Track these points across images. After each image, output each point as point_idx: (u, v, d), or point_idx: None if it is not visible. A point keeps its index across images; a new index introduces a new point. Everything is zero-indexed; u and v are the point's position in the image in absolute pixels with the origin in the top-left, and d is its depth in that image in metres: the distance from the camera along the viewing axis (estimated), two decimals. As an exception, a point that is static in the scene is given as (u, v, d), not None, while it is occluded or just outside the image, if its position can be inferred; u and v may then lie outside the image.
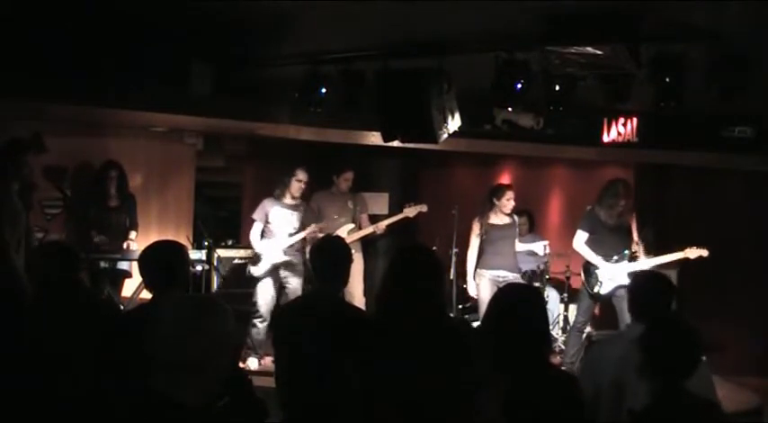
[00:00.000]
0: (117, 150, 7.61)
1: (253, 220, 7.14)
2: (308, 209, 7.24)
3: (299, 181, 7.02)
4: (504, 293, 3.19)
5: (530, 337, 2.92)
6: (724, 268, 8.05)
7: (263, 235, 7.09)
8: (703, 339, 2.96)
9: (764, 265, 7.88)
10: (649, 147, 7.51)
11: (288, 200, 7.06)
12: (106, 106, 6.36)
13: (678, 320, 3.08)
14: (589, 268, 6.88)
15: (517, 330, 2.90)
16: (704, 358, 3.05)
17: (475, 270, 7.26)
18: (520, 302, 3.04)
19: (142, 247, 7.15)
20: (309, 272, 7.29)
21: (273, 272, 7.01)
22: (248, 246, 7.27)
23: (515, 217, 7.23)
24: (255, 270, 7.04)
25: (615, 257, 6.78)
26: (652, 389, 2.89)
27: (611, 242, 6.83)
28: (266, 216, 7.06)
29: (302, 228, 7.10)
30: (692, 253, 6.87)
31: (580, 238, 6.92)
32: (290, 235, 7.06)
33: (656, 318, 3.14)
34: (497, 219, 7.13)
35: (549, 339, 3.24)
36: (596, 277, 6.84)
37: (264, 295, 6.97)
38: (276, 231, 7.06)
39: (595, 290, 6.82)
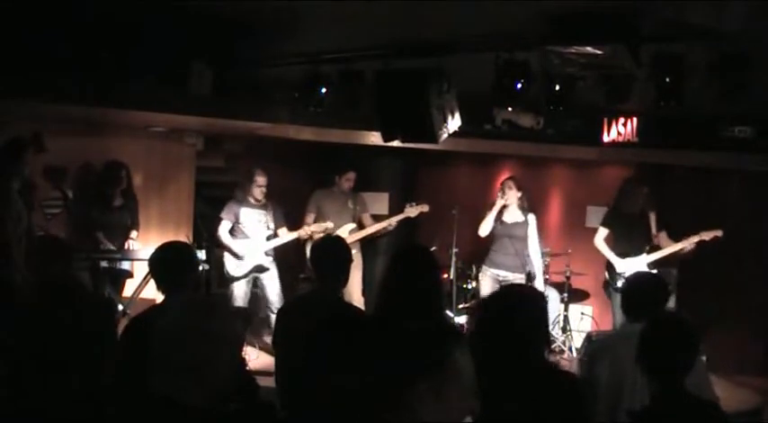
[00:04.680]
0: (117, 150, 7.61)
1: (220, 219, 7.21)
2: (278, 208, 7.31)
3: (260, 186, 7.10)
4: (494, 299, 3.16)
5: (515, 342, 2.88)
6: (724, 268, 8.05)
7: (233, 234, 7.19)
8: (700, 337, 2.95)
9: (764, 265, 7.87)
10: (649, 147, 7.51)
11: (253, 201, 7.18)
12: (106, 106, 6.35)
13: (675, 319, 3.07)
14: (611, 264, 7.17)
15: (505, 336, 2.86)
16: (704, 358, 3.05)
17: (479, 267, 7.47)
18: (507, 308, 3.00)
19: (143, 247, 7.23)
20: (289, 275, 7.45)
21: (253, 270, 7.16)
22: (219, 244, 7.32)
23: (529, 216, 7.26)
24: (236, 270, 7.15)
25: (632, 254, 7.07)
26: (651, 388, 2.88)
27: (630, 238, 7.13)
28: (236, 217, 7.17)
29: (276, 228, 7.23)
30: (707, 235, 7.06)
31: (600, 235, 7.21)
32: (268, 238, 7.20)
33: (654, 317, 3.13)
34: (508, 215, 7.25)
35: (538, 344, 3.13)
36: (617, 272, 7.09)
37: (241, 295, 7.16)
38: (250, 232, 7.18)
39: (618, 284, 7.03)
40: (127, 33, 5.43)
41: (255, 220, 7.21)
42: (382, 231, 7.67)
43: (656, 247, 7.17)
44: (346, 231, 7.47)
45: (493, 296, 3.16)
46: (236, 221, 7.19)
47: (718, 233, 7.06)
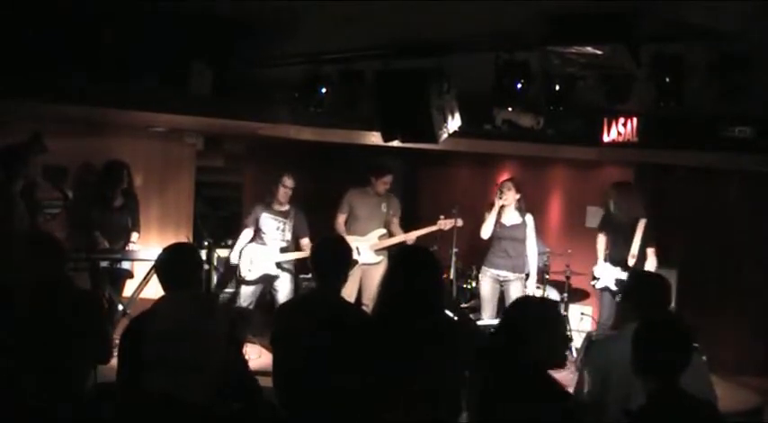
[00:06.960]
0: (117, 150, 7.61)
1: (245, 226, 7.32)
2: (299, 215, 7.29)
3: (286, 188, 7.11)
4: (514, 310, 3.16)
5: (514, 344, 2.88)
6: (724, 268, 8.05)
7: (254, 239, 7.25)
8: (696, 337, 2.95)
9: (765, 265, 7.87)
10: (649, 147, 7.51)
11: (276, 206, 7.18)
12: (106, 106, 6.36)
13: (668, 319, 3.07)
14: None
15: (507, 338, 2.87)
16: (704, 358, 3.05)
17: (479, 267, 7.50)
18: (524, 320, 3.01)
19: (143, 247, 7.24)
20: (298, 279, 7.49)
21: (263, 278, 7.20)
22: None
23: (527, 217, 7.28)
24: (248, 274, 7.21)
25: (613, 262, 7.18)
26: (646, 388, 2.89)
27: (617, 244, 7.21)
28: (256, 222, 7.22)
29: (294, 237, 7.21)
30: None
31: (599, 239, 7.38)
32: (283, 249, 7.19)
33: (648, 317, 3.14)
34: (507, 217, 7.26)
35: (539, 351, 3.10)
36: (594, 272, 7.32)
37: (248, 296, 7.22)
38: (267, 240, 7.20)
39: (591, 283, 7.37)
40: (127, 33, 5.43)
41: (273, 228, 7.21)
42: (403, 244, 7.58)
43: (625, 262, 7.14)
44: (376, 237, 7.49)
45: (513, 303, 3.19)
46: (257, 226, 7.24)
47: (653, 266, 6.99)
